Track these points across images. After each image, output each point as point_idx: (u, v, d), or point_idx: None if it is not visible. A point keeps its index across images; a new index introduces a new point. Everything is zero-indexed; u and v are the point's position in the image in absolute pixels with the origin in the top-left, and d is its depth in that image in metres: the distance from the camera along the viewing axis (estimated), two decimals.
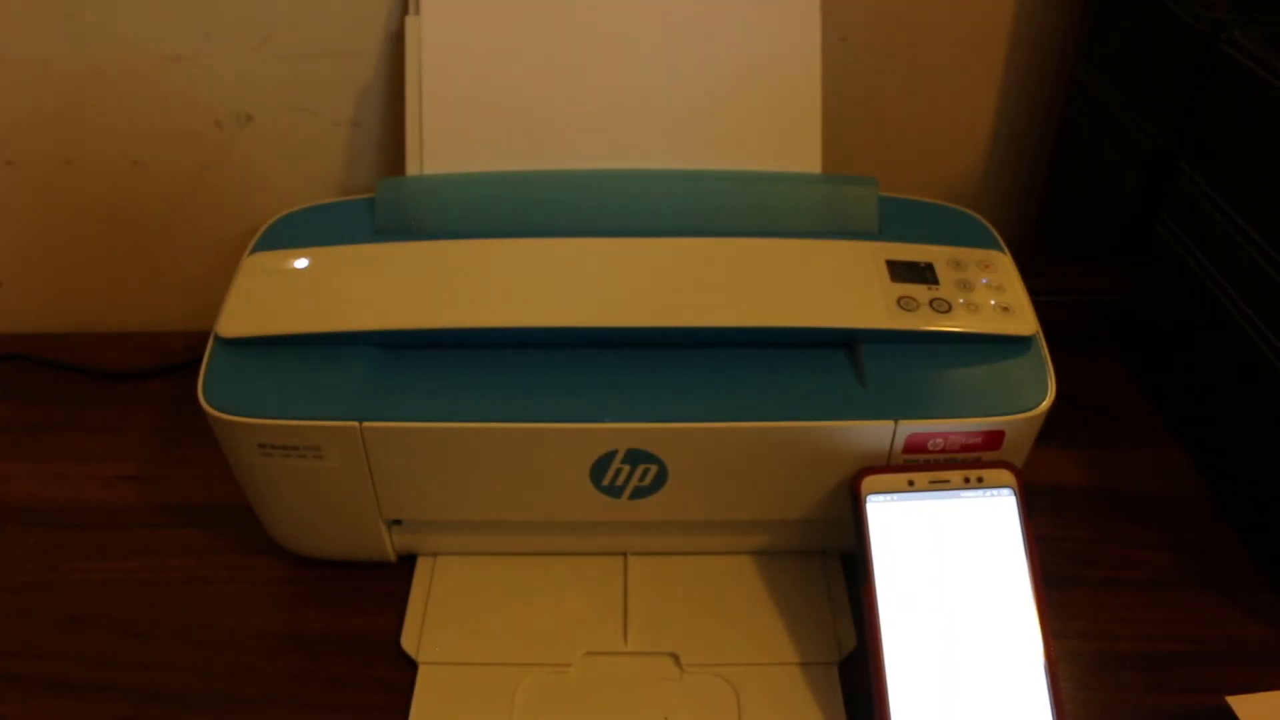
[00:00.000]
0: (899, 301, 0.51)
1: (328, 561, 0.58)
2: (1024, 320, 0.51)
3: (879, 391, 0.49)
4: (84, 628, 0.55)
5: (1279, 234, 0.54)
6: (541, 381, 0.50)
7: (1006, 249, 0.56)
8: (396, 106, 0.59)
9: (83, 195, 0.73)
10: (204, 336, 0.51)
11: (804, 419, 0.49)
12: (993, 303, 0.52)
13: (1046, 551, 0.58)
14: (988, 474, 0.50)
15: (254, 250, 0.55)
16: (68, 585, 0.57)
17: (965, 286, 0.52)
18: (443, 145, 0.59)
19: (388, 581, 0.57)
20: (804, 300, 0.51)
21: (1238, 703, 0.47)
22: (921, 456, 0.50)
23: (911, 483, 0.49)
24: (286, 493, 0.53)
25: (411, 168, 0.59)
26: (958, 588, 0.48)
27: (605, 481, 0.51)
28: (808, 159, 0.60)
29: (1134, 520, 0.61)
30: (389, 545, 0.56)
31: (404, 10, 0.61)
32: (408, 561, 0.57)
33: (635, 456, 0.50)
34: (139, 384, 0.73)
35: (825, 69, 0.59)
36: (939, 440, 0.50)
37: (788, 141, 0.60)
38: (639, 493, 0.52)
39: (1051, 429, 0.52)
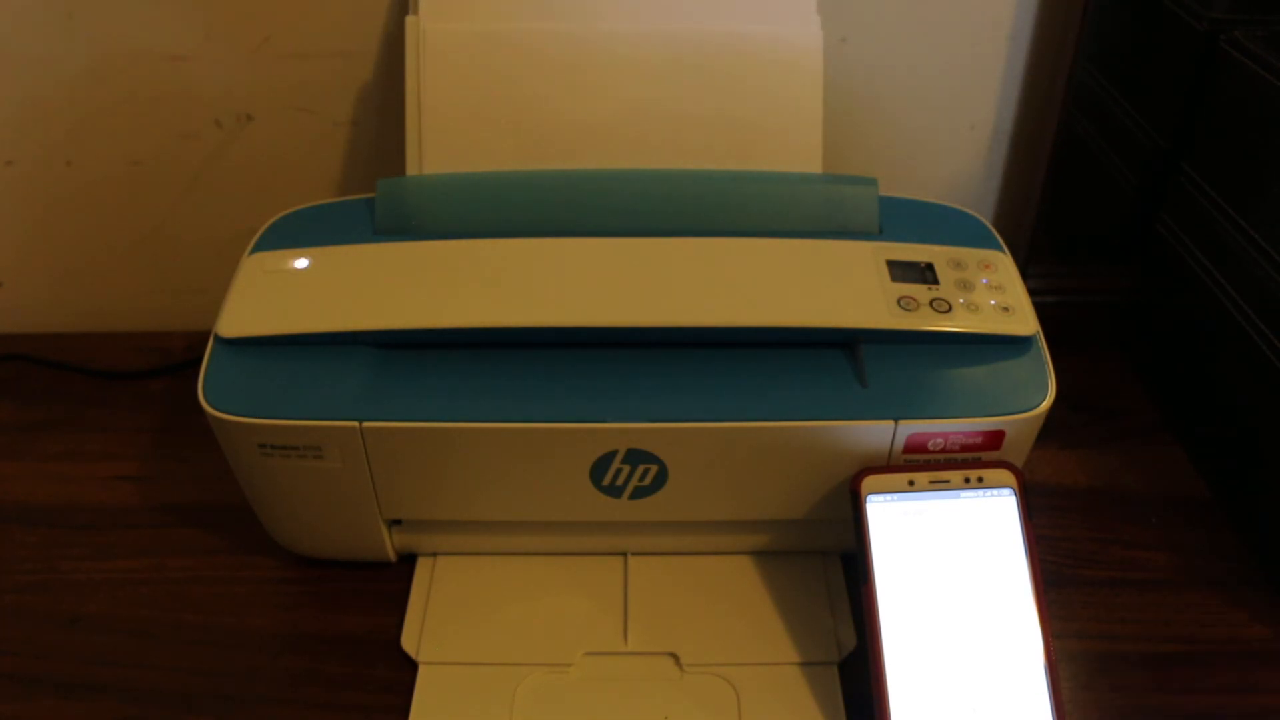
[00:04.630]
0: (899, 301, 0.51)
1: (328, 561, 0.58)
2: (1024, 320, 0.51)
3: (879, 391, 0.49)
4: (84, 628, 0.55)
5: (1279, 234, 0.54)
6: (541, 381, 0.50)
7: (1006, 249, 0.56)
8: (396, 106, 0.59)
9: (83, 195, 0.73)
10: (204, 336, 0.51)
11: (804, 419, 0.49)
12: (993, 303, 0.52)
13: (1047, 551, 0.58)
14: (988, 474, 0.50)
15: (254, 250, 0.55)
16: (67, 585, 0.57)
17: (965, 286, 0.52)
18: (443, 145, 0.59)
19: (388, 581, 0.57)
20: (804, 300, 0.51)
21: None
22: (922, 456, 0.50)
23: (912, 483, 0.49)
24: (286, 493, 0.53)
25: (411, 168, 0.59)
26: (958, 588, 0.48)
27: (605, 481, 0.51)
28: (808, 159, 0.60)
29: (1134, 520, 0.61)
30: (389, 545, 0.56)
31: (404, 10, 0.61)
32: (408, 561, 0.57)
33: (635, 456, 0.50)
34: (139, 384, 0.73)
35: (825, 69, 0.59)
36: (939, 440, 0.50)
37: (788, 141, 0.60)
38: (639, 493, 0.52)
39: (1051, 429, 0.52)
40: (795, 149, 0.60)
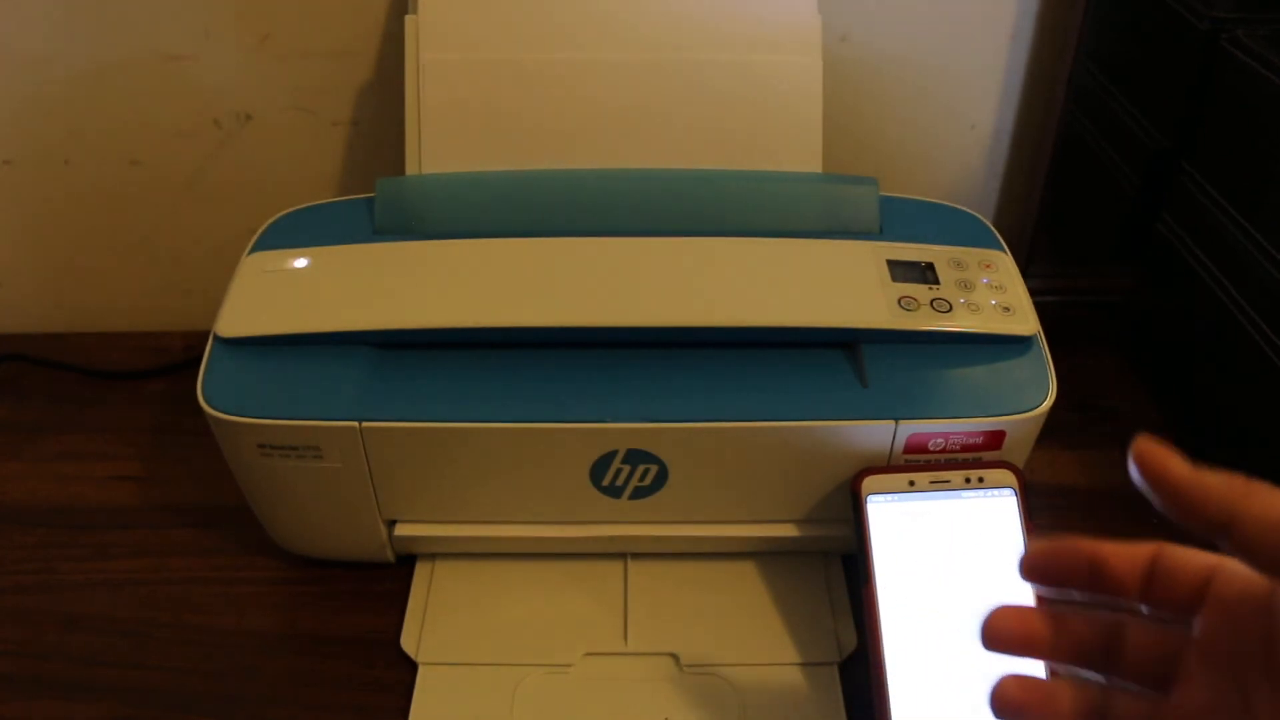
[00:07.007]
0: (900, 301, 0.51)
1: (328, 561, 0.58)
2: (1025, 320, 0.51)
3: (879, 391, 0.49)
4: (83, 628, 0.55)
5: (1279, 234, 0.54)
6: (541, 381, 0.50)
7: (1007, 249, 0.56)
8: (396, 106, 0.59)
9: (81, 194, 0.73)
10: (204, 336, 0.51)
11: (804, 419, 0.49)
12: (993, 302, 0.52)
13: None
14: (988, 474, 0.49)
15: (253, 250, 0.55)
16: (66, 585, 0.57)
17: (966, 286, 0.52)
18: (442, 145, 0.59)
19: (388, 581, 0.57)
20: (805, 300, 0.51)
21: None
22: (922, 456, 0.50)
23: (912, 483, 0.49)
24: (286, 493, 0.53)
25: (411, 167, 0.59)
26: (958, 588, 0.48)
27: (605, 481, 0.51)
28: (808, 159, 0.60)
29: (1134, 520, 0.61)
30: (389, 545, 0.56)
31: (404, 10, 0.61)
32: (408, 562, 0.57)
33: (635, 456, 0.50)
34: (139, 384, 0.72)
35: (825, 69, 0.59)
36: (940, 440, 0.50)
37: (788, 141, 0.59)
38: (639, 493, 0.52)
39: (1052, 429, 0.52)
40: (795, 149, 0.60)
